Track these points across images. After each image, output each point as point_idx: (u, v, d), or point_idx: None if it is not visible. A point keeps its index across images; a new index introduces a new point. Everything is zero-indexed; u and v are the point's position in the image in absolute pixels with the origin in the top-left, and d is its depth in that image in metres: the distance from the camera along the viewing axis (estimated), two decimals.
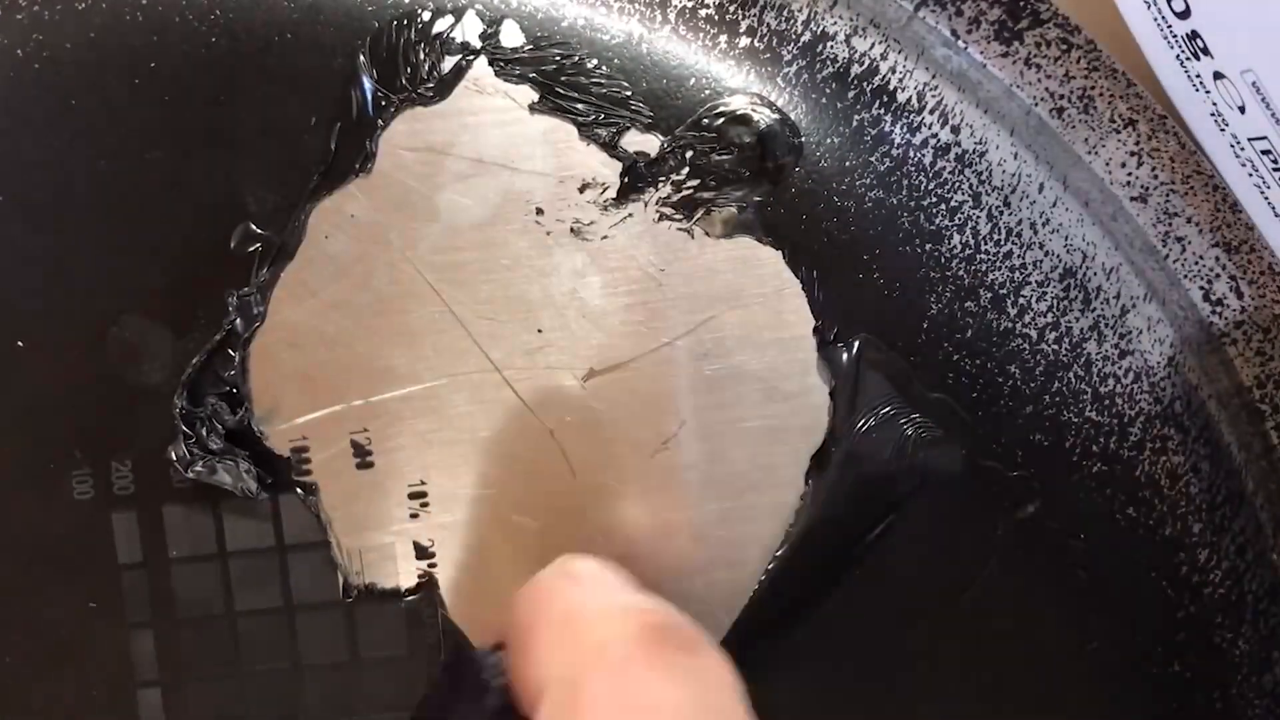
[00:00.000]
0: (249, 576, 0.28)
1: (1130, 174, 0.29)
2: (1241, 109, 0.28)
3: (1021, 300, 0.28)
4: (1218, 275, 0.29)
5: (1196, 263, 0.29)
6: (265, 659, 0.28)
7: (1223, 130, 0.29)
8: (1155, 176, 0.29)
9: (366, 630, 0.28)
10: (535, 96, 0.28)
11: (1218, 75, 0.28)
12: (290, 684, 0.28)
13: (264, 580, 0.28)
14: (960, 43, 0.29)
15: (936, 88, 0.29)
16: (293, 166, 0.27)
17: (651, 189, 0.28)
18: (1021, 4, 0.29)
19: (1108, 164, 0.29)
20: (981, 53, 0.29)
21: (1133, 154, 0.29)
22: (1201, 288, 0.29)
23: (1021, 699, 0.28)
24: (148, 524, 0.28)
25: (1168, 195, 0.29)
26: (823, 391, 0.28)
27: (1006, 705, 0.28)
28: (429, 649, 0.28)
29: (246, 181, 0.27)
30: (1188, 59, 0.29)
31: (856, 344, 0.28)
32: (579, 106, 0.28)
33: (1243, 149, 0.29)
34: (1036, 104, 0.29)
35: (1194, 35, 0.28)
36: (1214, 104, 0.29)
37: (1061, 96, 0.29)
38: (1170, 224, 0.29)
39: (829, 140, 0.28)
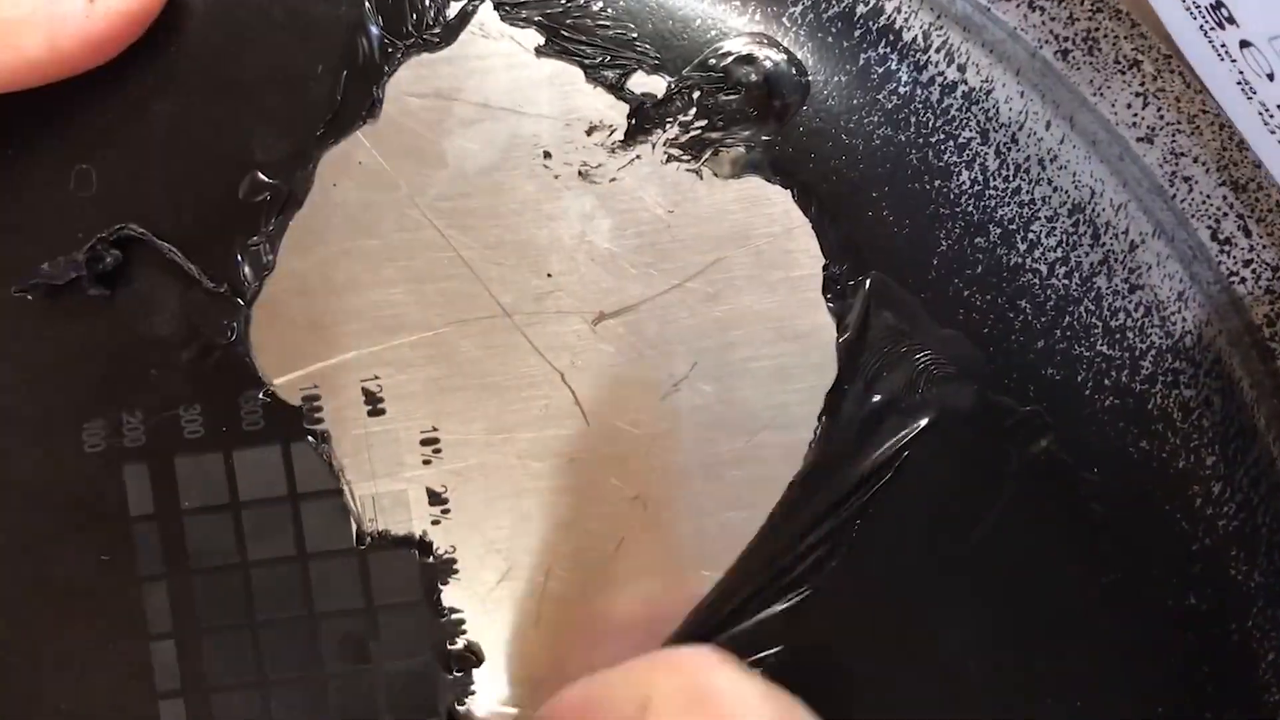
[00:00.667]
0: (262, 526, 0.27)
1: (1136, 114, 0.29)
2: (1270, 76, 0.28)
3: (1031, 235, 0.28)
4: (1225, 214, 0.29)
5: (1204, 202, 0.29)
6: (280, 608, 0.28)
7: (1250, 98, 0.29)
8: (1161, 116, 0.29)
9: (381, 577, 0.27)
10: (541, 40, 0.28)
11: (1244, 44, 0.28)
12: (305, 632, 0.27)
13: (277, 530, 0.28)
14: None
15: (942, 28, 0.29)
16: (300, 115, 0.27)
17: (659, 130, 0.28)
18: None
19: (1113, 105, 0.29)
20: None
21: (1138, 94, 0.29)
22: (1209, 227, 0.29)
23: (1036, 633, 0.28)
24: (159, 475, 0.27)
25: (1174, 135, 0.29)
26: (832, 329, 0.28)
27: (1021, 639, 0.28)
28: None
29: (253, 131, 0.27)
30: (1212, 29, 0.29)
31: (868, 282, 0.28)
32: (585, 49, 0.28)
33: (1272, 116, 0.29)
34: (1041, 46, 0.29)
35: (1218, 5, 0.28)
36: (1240, 72, 0.29)
37: (1066, 39, 0.29)
38: (1177, 164, 0.29)
39: (836, 79, 0.28)
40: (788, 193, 0.28)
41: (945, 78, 0.28)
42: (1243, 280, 0.29)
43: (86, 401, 0.27)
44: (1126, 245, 0.29)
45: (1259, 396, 0.29)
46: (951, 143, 0.28)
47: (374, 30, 0.27)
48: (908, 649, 0.28)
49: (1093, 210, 0.29)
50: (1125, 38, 0.30)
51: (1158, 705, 0.28)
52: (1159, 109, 0.29)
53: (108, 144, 0.27)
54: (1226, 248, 0.29)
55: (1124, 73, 0.29)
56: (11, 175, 0.27)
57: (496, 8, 0.28)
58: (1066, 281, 0.28)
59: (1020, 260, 0.28)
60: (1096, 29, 0.29)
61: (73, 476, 0.27)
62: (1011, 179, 0.28)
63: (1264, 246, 0.29)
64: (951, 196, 0.28)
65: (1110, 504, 0.28)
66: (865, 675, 0.28)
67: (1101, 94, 0.29)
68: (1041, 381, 0.28)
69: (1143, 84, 0.29)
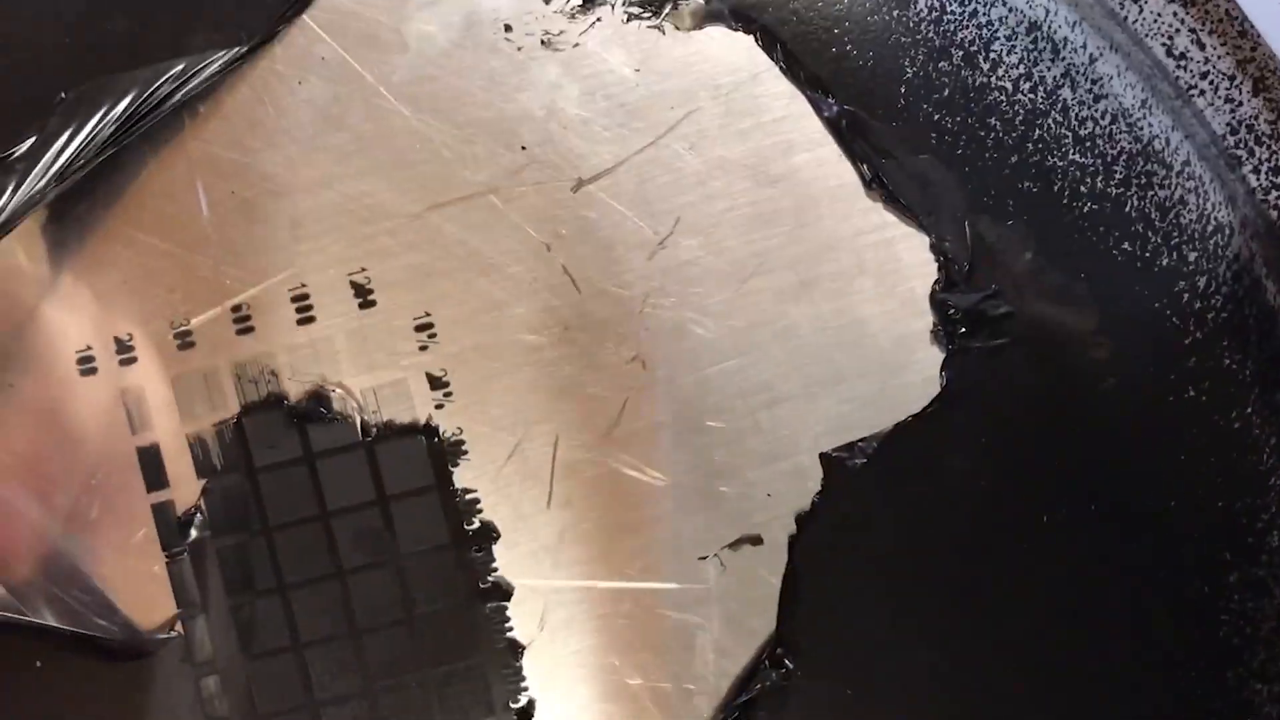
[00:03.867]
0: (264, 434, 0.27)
1: None
2: None
3: (993, 55, 0.29)
4: (1178, 30, 0.30)
5: (1155, 20, 0.30)
6: (289, 513, 0.27)
7: None
8: None
9: (391, 467, 0.27)
10: None
11: None
12: (319, 534, 0.27)
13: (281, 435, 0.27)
14: None
15: None
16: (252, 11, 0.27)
17: None
18: None
19: None
20: None
21: None
22: (1164, 44, 0.30)
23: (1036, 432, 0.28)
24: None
25: None
26: (809, 170, 0.28)
27: (1022, 437, 0.28)
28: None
29: (209, 33, 0.27)
30: None
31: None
32: None
33: None
34: None
35: None
36: None
37: None
38: None
39: None
40: (750, 39, 0.28)
41: None
42: (1202, 92, 0.30)
43: None
44: (1086, 58, 0.29)
45: (1230, 198, 0.29)
46: None
47: None
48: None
49: (1049, 27, 0.29)
50: None
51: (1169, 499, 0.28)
52: None
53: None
54: (1183, 62, 0.30)
55: None
56: None
57: None
58: (1032, 96, 0.29)
59: (985, 80, 0.29)
60: None
61: None
62: (967, 2, 0.29)
63: (1219, 57, 0.30)
64: (911, 24, 0.28)
65: (1104, 306, 0.28)
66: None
67: None
68: (1020, 195, 0.28)
69: None
